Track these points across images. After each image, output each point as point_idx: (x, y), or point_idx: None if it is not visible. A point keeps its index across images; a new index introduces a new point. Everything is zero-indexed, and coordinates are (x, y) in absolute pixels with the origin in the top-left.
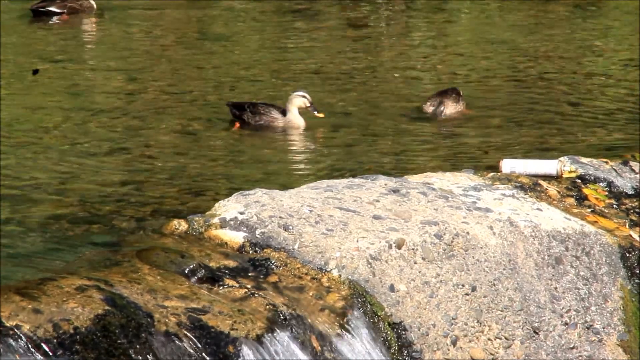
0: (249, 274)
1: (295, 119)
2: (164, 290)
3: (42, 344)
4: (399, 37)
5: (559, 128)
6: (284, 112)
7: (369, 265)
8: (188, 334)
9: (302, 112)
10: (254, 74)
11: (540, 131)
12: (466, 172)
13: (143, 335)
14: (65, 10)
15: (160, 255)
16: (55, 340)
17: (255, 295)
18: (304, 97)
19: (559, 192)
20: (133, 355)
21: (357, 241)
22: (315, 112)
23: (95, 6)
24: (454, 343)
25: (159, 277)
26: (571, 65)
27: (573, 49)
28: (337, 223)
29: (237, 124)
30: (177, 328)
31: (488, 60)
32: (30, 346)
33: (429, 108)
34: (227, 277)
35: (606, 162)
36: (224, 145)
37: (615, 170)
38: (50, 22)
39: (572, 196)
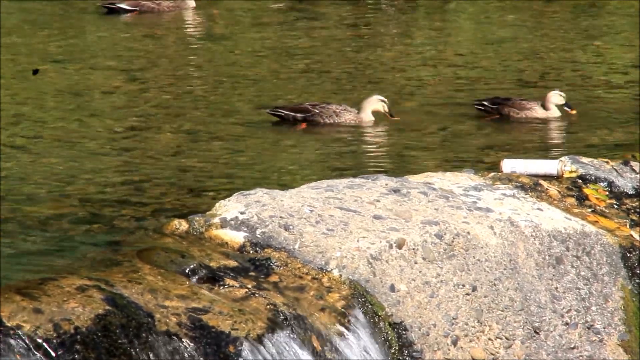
0: (250, 274)
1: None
2: (164, 290)
3: (43, 344)
4: (400, 37)
5: (560, 128)
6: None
7: (370, 265)
8: (188, 334)
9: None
10: (254, 73)
11: (541, 131)
12: (467, 172)
13: (144, 335)
14: (138, 8)
15: (160, 255)
16: (55, 340)
17: (256, 295)
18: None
19: (559, 192)
20: (134, 355)
21: (358, 241)
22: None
23: (191, 5)
24: (454, 343)
25: (159, 277)
26: (571, 65)
27: (573, 48)
28: (337, 223)
29: (304, 125)
30: (177, 328)
31: (488, 60)
32: (30, 346)
33: (538, 110)
34: (228, 277)
35: (607, 162)
36: (224, 145)
37: (615, 170)
38: (122, 18)
39: (572, 196)
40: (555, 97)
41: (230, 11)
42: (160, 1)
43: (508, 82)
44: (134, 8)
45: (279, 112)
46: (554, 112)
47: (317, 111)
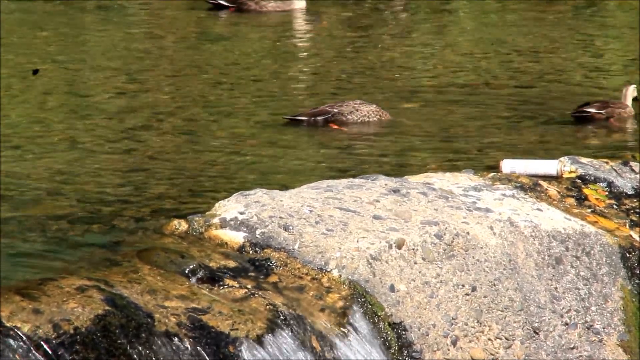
0: (249, 274)
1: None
2: (164, 290)
3: (42, 344)
4: (399, 37)
5: (559, 128)
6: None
7: (369, 266)
8: (188, 334)
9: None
10: (254, 74)
11: (540, 131)
12: (466, 172)
13: (143, 335)
14: (235, 5)
15: (160, 256)
16: (55, 341)
17: (256, 295)
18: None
19: (559, 192)
20: (133, 356)
21: (357, 241)
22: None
23: (300, 6)
24: (454, 343)
25: (159, 278)
26: (571, 65)
27: (573, 48)
28: (337, 223)
29: (332, 125)
30: (177, 328)
31: (488, 60)
32: (30, 346)
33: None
34: (227, 277)
35: (606, 162)
36: (224, 145)
37: (615, 170)
38: (221, 14)
39: (572, 196)
40: (634, 92)
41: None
42: (263, 2)
43: (508, 82)
44: (231, 4)
45: (298, 118)
46: (632, 108)
47: (336, 111)
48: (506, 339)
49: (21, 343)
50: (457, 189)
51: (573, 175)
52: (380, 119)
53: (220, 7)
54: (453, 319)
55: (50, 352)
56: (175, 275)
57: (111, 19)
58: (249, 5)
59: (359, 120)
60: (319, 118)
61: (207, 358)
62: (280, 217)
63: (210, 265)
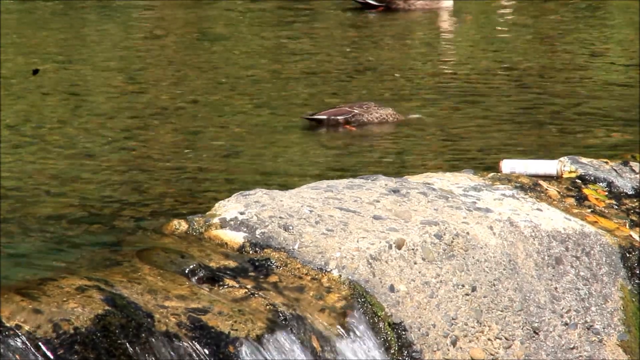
0: (249, 274)
1: None
2: (164, 290)
3: (42, 344)
4: (399, 37)
5: (559, 128)
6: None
7: (369, 266)
8: (188, 334)
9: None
10: (254, 74)
11: (540, 131)
12: (466, 172)
13: (143, 335)
14: (383, 5)
15: (160, 256)
16: (55, 341)
17: (256, 295)
18: None
19: (559, 192)
20: (133, 356)
21: (357, 241)
22: None
23: (446, 5)
24: (454, 343)
25: (159, 277)
26: (571, 65)
27: (573, 49)
28: (337, 223)
29: (349, 126)
30: (177, 328)
31: (488, 60)
32: (30, 346)
33: None
34: (227, 277)
35: (606, 163)
36: (224, 145)
37: (615, 170)
38: (370, 13)
39: (572, 196)
40: None
41: (230, 11)
42: (411, 0)
43: (508, 81)
44: (380, 3)
45: (317, 117)
46: None
47: (356, 111)
48: (506, 339)
49: (21, 343)
50: (457, 189)
51: (573, 175)
52: (396, 121)
53: (368, 6)
54: (453, 319)
55: (50, 352)
56: (175, 275)
57: (111, 19)
58: (397, 4)
59: (377, 122)
60: (339, 117)
61: (207, 358)
62: (280, 217)
63: (210, 265)
